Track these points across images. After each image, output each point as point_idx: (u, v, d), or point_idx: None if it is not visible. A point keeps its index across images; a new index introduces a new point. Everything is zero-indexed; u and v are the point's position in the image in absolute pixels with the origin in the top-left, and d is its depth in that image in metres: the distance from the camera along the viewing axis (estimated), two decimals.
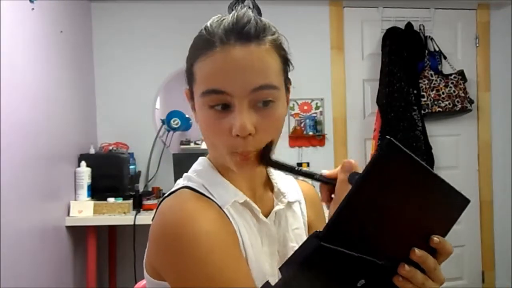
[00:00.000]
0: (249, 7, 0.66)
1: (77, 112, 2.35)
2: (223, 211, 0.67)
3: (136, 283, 1.07)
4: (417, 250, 0.50)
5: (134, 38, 2.69)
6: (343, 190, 0.62)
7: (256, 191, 0.75)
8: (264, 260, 0.69)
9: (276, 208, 0.74)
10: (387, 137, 0.42)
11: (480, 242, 3.04)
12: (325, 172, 0.69)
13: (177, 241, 0.60)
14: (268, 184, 0.79)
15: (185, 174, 0.74)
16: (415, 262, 0.51)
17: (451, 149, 2.99)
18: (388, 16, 2.90)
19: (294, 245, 0.73)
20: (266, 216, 0.73)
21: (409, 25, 2.85)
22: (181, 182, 0.72)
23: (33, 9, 1.80)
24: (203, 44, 0.63)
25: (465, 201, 0.54)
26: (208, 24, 0.65)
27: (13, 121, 1.61)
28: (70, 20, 2.30)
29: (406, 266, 0.51)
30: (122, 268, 2.60)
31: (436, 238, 0.52)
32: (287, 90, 0.71)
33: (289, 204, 0.78)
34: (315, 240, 0.44)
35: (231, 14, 0.64)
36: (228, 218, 0.66)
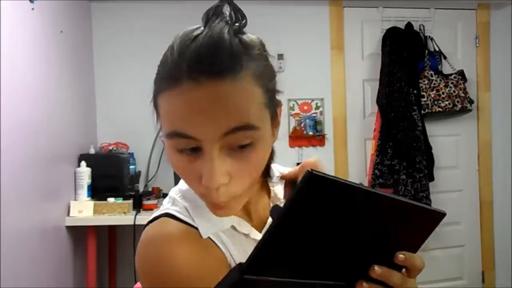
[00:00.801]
0: (226, 21, 0.54)
1: (77, 112, 2.35)
2: (212, 239, 0.62)
3: (136, 283, 1.07)
4: (376, 268, 0.48)
5: (134, 38, 2.69)
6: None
7: (250, 201, 0.67)
8: None
9: (270, 220, 0.68)
10: (308, 170, 0.38)
11: (480, 242, 3.05)
12: (284, 172, 0.65)
13: (152, 279, 0.58)
14: (265, 187, 0.72)
15: (170, 194, 0.68)
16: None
17: (451, 149, 2.99)
18: (388, 16, 2.90)
19: None
20: (262, 226, 0.68)
21: (409, 25, 2.85)
22: (165, 205, 0.67)
23: (33, 9, 1.80)
24: (167, 75, 0.53)
25: (439, 215, 0.51)
26: (175, 47, 0.54)
27: (13, 121, 1.61)
28: (70, 20, 2.30)
29: (364, 283, 0.48)
30: (122, 268, 2.60)
31: (401, 255, 0.49)
32: (276, 114, 0.62)
33: None
34: (236, 272, 0.41)
35: (202, 35, 0.52)
36: (216, 244, 0.62)
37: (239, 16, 0.55)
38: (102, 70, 2.67)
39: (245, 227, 0.65)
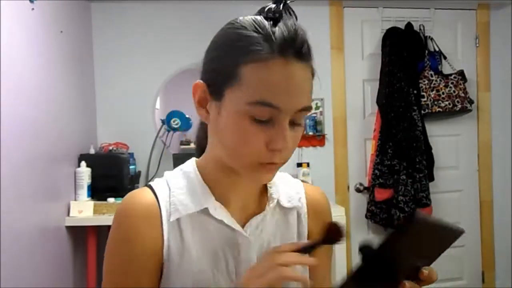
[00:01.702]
0: (294, 15, 0.63)
1: (77, 112, 2.35)
2: (162, 224, 0.68)
3: None
4: (407, 284, 0.57)
5: (134, 38, 2.69)
6: None
7: (246, 199, 0.73)
8: (212, 272, 0.69)
9: (258, 215, 0.73)
10: (416, 210, 0.46)
11: (480, 242, 3.04)
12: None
13: (109, 239, 0.70)
14: (265, 188, 0.77)
15: (174, 170, 0.76)
16: None
17: (451, 149, 2.99)
18: (388, 16, 2.90)
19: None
20: (244, 220, 0.72)
21: (409, 25, 2.85)
22: (164, 175, 0.76)
23: (33, 9, 1.80)
24: (258, 48, 0.58)
25: (459, 233, 0.58)
26: (257, 24, 0.60)
27: (13, 121, 1.61)
28: (70, 20, 2.30)
29: None
30: None
31: (425, 271, 0.58)
32: None
33: (284, 210, 0.76)
34: None
35: (288, 25, 0.60)
36: (161, 231, 0.68)
37: (295, 17, 0.63)
38: (102, 70, 2.67)
39: (220, 213, 0.70)
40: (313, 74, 0.65)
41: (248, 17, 0.62)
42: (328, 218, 0.81)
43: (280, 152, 0.62)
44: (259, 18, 0.61)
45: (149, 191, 0.71)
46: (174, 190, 0.71)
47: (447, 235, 0.56)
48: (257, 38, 0.59)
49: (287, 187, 0.78)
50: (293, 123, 0.63)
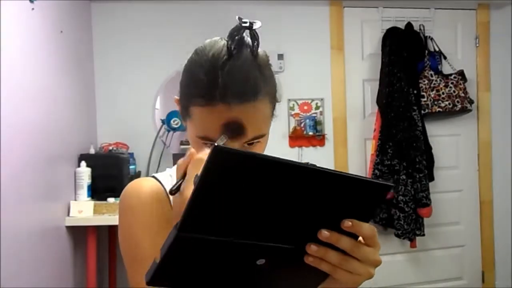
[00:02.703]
0: (248, 46, 0.67)
1: (77, 112, 2.34)
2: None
3: None
4: (324, 231, 0.50)
5: (134, 38, 2.69)
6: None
7: None
8: None
9: None
10: (215, 145, 0.42)
11: (480, 242, 3.04)
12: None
13: (119, 212, 0.76)
14: None
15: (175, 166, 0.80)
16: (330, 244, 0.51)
17: (451, 149, 2.99)
18: (388, 16, 2.90)
19: None
20: None
21: (409, 25, 2.85)
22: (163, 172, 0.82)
23: (33, 9, 1.80)
24: (202, 94, 0.66)
25: (383, 187, 0.51)
26: (207, 68, 0.66)
27: (13, 121, 1.61)
28: (70, 20, 2.30)
29: (313, 246, 0.51)
30: (122, 268, 2.60)
31: (347, 222, 0.50)
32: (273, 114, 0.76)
33: None
34: (173, 231, 0.45)
35: (231, 65, 0.65)
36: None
37: (257, 38, 0.68)
38: (102, 70, 2.67)
39: None
40: (272, 93, 0.71)
41: (212, 46, 0.68)
42: None
43: None
44: (212, 52, 0.67)
45: (153, 179, 0.78)
46: (166, 181, 0.77)
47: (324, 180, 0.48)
48: (204, 83, 0.66)
49: None
50: (245, 144, 0.68)
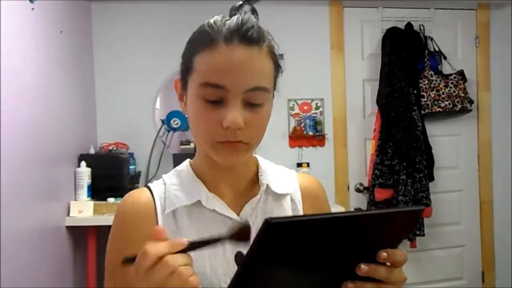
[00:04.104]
0: (251, 12, 0.70)
1: (77, 112, 2.35)
2: (157, 218, 0.75)
3: None
4: (362, 266, 0.52)
5: (134, 38, 2.69)
6: None
7: (240, 188, 0.78)
8: (209, 260, 0.71)
9: (252, 200, 0.76)
10: (266, 219, 0.41)
11: (480, 242, 3.04)
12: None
13: (112, 224, 0.78)
14: (257, 180, 0.81)
15: (171, 171, 0.83)
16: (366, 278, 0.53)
17: (451, 149, 2.99)
18: (388, 16, 2.90)
19: None
20: (239, 208, 0.76)
21: (409, 25, 2.85)
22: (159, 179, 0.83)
23: (33, 9, 1.80)
24: (207, 40, 0.67)
25: (415, 213, 0.53)
26: (211, 21, 0.69)
27: (13, 121, 1.61)
28: (70, 20, 2.30)
29: (350, 284, 0.53)
30: None
31: (383, 254, 0.53)
32: (273, 91, 0.75)
33: (277, 196, 0.79)
34: None
35: (236, 16, 0.68)
36: (158, 218, 0.75)
37: (255, 12, 0.71)
38: (102, 70, 2.67)
39: (213, 203, 0.74)
40: (273, 55, 0.71)
41: (215, 16, 0.71)
42: (325, 203, 0.86)
43: (235, 131, 0.66)
44: (217, 17, 0.70)
45: (146, 190, 0.79)
46: (169, 186, 0.78)
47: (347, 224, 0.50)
48: (208, 32, 0.67)
49: (279, 175, 0.82)
50: (249, 104, 0.67)
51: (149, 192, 0.77)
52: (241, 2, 0.71)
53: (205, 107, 0.67)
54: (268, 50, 0.70)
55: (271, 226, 0.41)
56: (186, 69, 0.71)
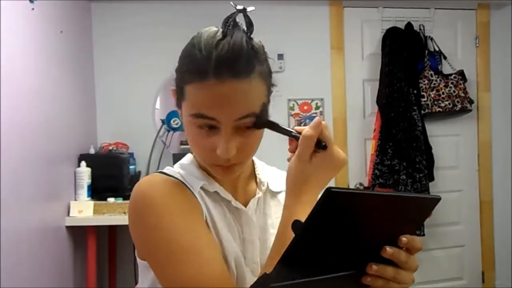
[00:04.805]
0: (243, 30, 0.69)
1: (77, 112, 2.35)
2: (194, 194, 0.75)
3: (136, 283, 1.07)
4: (388, 248, 0.54)
5: (134, 38, 2.69)
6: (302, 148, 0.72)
7: (238, 184, 0.83)
8: (237, 246, 0.77)
9: (256, 196, 0.82)
10: (327, 188, 0.45)
11: (480, 242, 3.04)
12: (297, 128, 0.76)
13: (137, 211, 0.72)
14: (254, 176, 0.87)
15: (175, 165, 0.84)
16: (384, 260, 0.56)
17: (451, 149, 2.99)
18: (388, 16, 2.90)
19: (274, 231, 0.75)
20: (245, 203, 0.81)
21: (409, 25, 2.85)
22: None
23: (33, 9, 1.80)
24: (196, 71, 0.67)
25: (435, 201, 0.57)
26: (202, 45, 0.68)
27: (13, 121, 1.61)
28: (70, 20, 2.30)
29: (374, 266, 0.55)
30: (122, 268, 2.60)
31: (404, 239, 0.55)
32: (269, 102, 0.76)
33: (273, 194, 0.86)
34: (263, 281, 0.49)
35: (225, 43, 0.66)
36: (196, 199, 0.75)
37: (249, 24, 0.70)
38: (102, 70, 2.67)
39: (227, 195, 0.79)
40: (265, 76, 0.71)
41: (206, 31, 0.70)
42: None
43: (227, 158, 0.70)
44: (207, 33, 0.69)
45: (159, 173, 0.79)
46: (176, 175, 0.79)
47: (403, 204, 0.54)
48: (198, 60, 0.67)
49: (273, 173, 0.89)
50: (241, 128, 0.69)
51: (162, 174, 0.78)
52: (235, 11, 0.68)
53: (198, 133, 0.70)
54: (259, 73, 0.69)
55: (332, 194, 0.44)
56: (179, 93, 0.72)
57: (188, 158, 0.84)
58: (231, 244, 0.75)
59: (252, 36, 0.70)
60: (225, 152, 0.68)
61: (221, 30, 0.68)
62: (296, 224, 0.50)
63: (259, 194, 0.83)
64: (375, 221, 0.52)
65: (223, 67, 0.65)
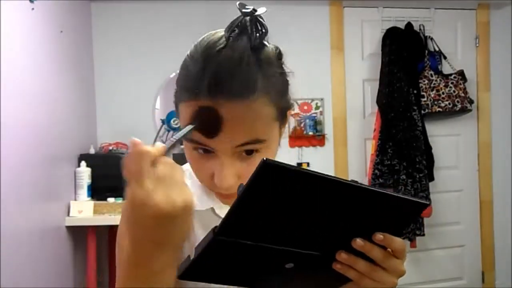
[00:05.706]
0: (248, 36, 0.58)
1: (77, 112, 2.35)
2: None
3: None
4: (358, 240, 0.51)
5: (134, 38, 2.69)
6: None
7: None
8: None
9: None
10: (263, 159, 0.42)
11: (480, 242, 3.05)
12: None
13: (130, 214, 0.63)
14: None
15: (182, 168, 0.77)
16: (361, 254, 0.53)
17: (451, 149, 2.99)
18: (388, 16, 2.90)
19: None
20: None
21: (409, 25, 2.85)
22: None
23: (33, 9, 1.80)
24: (188, 88, 0.57)
25: (420, 205, 0.54)
26: (199, 58, 0.58)
27: (13, 121, 1.61)
28: (70, 20, 2.30)
29: (343, 254, 0.52)
30: None
31: (379, 235, 0.52)
32: (284, 122, 0.66)
33: None
34: (210, 234, 0.47)
35: (223, 53, 0.56)
36: None
37: (260, 28, 0.59)
38: (102, 70, 2.67)
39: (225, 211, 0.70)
40: (275, 99, 0.60)
41: (210, 35, 0.60)
42: None
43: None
44: (209, 40, 0.59)
45: None
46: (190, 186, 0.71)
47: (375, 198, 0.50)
48: (191, 74, 0.57)
49: None
50: (244, 153, 0.59)
51: None
52: (240, 15, 0.58)
53: (194, 156, 0.61)
54: (265, 92, 0.57)
55: (266, 166, 0.42)
56: (175, 106, 0.63)
57: (185, 168, 0.75)
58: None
59: (266, 42, 0.60)
60: (222, 185, 0.59)
61: (223, 37, 0.58)
62: (239, 188, 0.48)
63: None
64: (339, 209, 0.49)
65: (217, 87, 0.54)
